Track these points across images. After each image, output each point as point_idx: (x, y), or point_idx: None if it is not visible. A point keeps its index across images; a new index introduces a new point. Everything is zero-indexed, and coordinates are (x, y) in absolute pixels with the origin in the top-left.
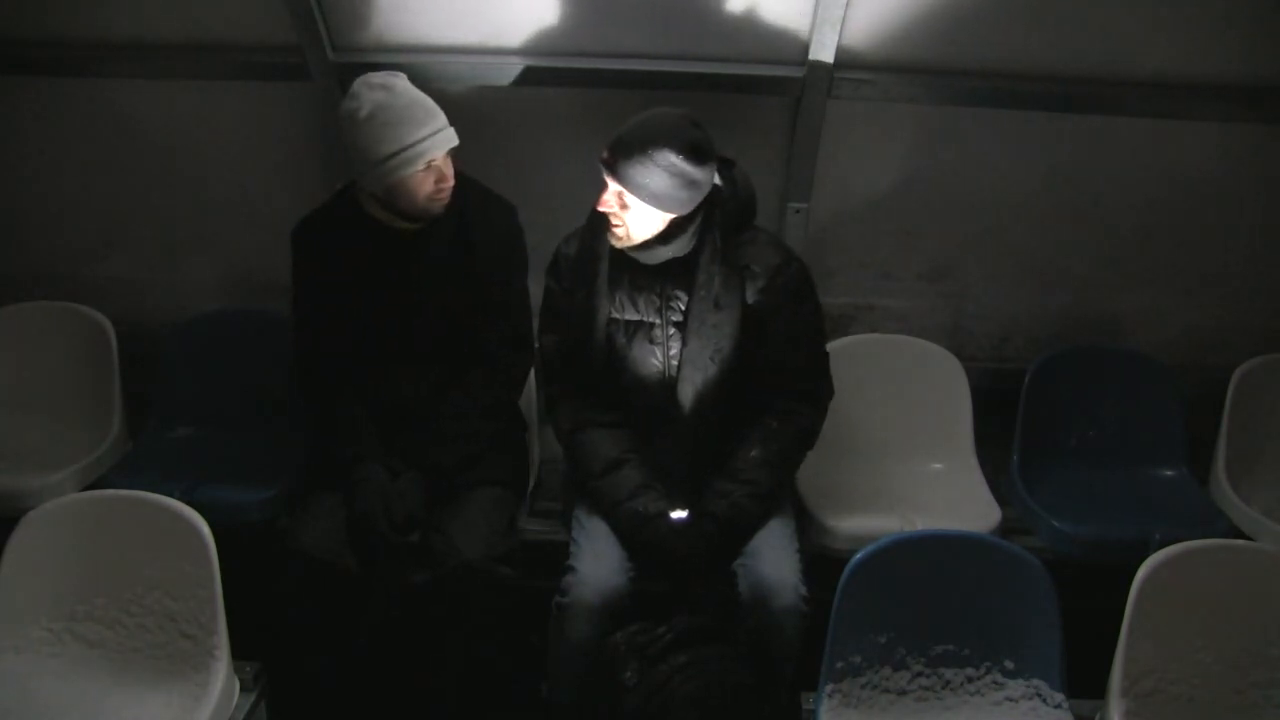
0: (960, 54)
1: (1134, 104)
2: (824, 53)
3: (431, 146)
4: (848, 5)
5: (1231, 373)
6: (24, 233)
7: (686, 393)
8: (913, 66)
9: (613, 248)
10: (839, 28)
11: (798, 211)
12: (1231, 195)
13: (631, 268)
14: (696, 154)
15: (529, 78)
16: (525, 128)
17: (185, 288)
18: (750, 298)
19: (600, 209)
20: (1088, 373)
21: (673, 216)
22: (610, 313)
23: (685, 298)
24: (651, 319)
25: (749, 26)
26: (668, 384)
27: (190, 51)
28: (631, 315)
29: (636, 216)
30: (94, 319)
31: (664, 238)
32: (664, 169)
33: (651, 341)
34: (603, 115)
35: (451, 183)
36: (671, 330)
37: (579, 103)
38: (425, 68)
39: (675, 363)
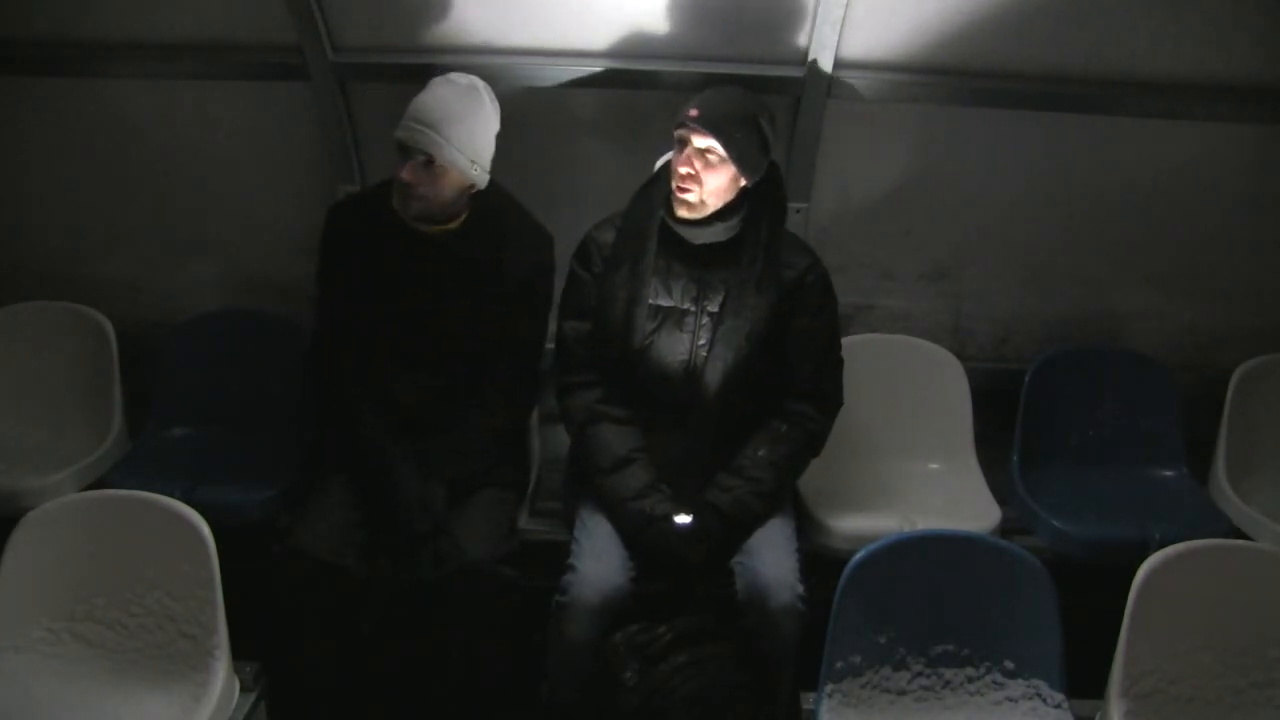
0: (960, 54)
1: (1134, 104)
2: (824, 53)
3: (409, 131)
4: (848, 5)
5: (1231, 373)
6: (24, 233)
7: (715, 372)
8: (912, 66)
9: (658, 229)
10: (839, 28)
11: (798, 211)
12: (1231, 195)
13: (669, 255)
14: (774, 122)
15: (528, 78)
16: (525, 127)
17: (185, 288)
18: (784, 287)
19: (681, 168)
20: (1088, 373)
21: (738, 188)
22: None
23: (723, 287)
24: (685, 305)
25: (749, 27)
26: (692, 373)
27: (190, 51)
28: (665, 301)
29: (714, 179)
30: (94, 319)
31: (720, 215)
32: (752, 127)
33: (681, 329)
34: (602, 115)
35: (417, 189)
36: (705, 319)
37: (578, 103)
38: (425, 68)
39: (704, 353)
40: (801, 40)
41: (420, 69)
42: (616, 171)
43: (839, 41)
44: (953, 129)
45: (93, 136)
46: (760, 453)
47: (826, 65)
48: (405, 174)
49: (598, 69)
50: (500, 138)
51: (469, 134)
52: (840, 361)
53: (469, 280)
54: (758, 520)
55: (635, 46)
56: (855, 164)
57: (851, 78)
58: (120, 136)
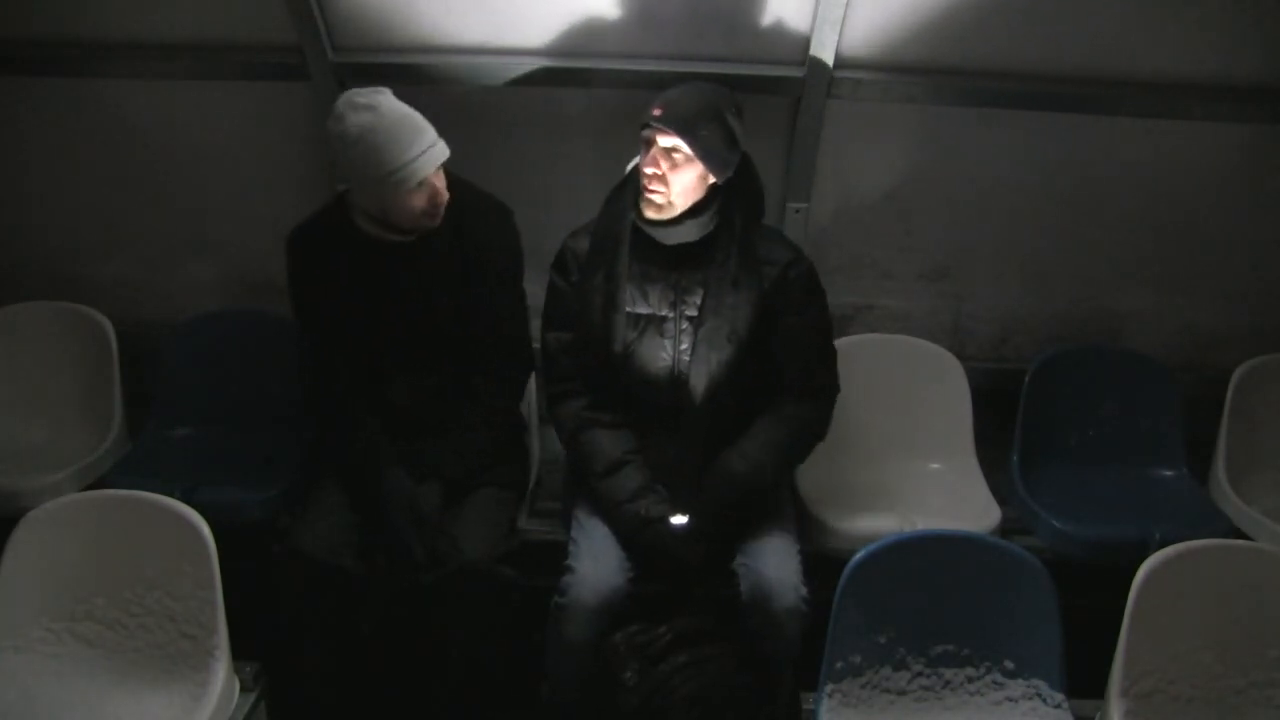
0: (960, 54)
1: (1134, 104)
2: (824, 53)
3: (422, 166)
4: (848, 5)
5: (1231, 373)
6: (24, 233)
7: (700, 375)
8: (912, 66)
9: (630, 233)
10: (839, 28)
11: (798, 211)
12: (1231, 195)
13: (643, 259)
14: (741, 115)
15: (528, 78)
16: (524, 127)
17: (185, 288)
18: (766, 285)
19: (648, 169)
20: (1088, 373)
21: (708, 185)
22: (625, 302)
23: (700, 290)
24: (664, 312)
25: (749, 26)
26: (677, 379)
27: (190, 51)
28: (643, 309)
29: (681, 178)
30: (94, 319)
31: (691, 212)
32: (719, 124)
33: (662, 335)
34: (601, 115)
35: (445, 197)
36: (684, 324)
37: (578, 103)
38: (424, 68)
39: (686, 358)
40: (801, 40)
41: (420, 69)
42: (614, 173)
43: (839, 41)
44: (953, 129)
45: (93, 136)
46: (760, 434)
47: (826, 65)
48: (442, 192)
49: (597, 69)
50: (496, 138)
51: (429, 127)
52: (833, 352)
53: (446, 273)
54: (753, 497)
55: (634, 47)
56: (855, 164)
57: (851, 78)
58: (120, 136)
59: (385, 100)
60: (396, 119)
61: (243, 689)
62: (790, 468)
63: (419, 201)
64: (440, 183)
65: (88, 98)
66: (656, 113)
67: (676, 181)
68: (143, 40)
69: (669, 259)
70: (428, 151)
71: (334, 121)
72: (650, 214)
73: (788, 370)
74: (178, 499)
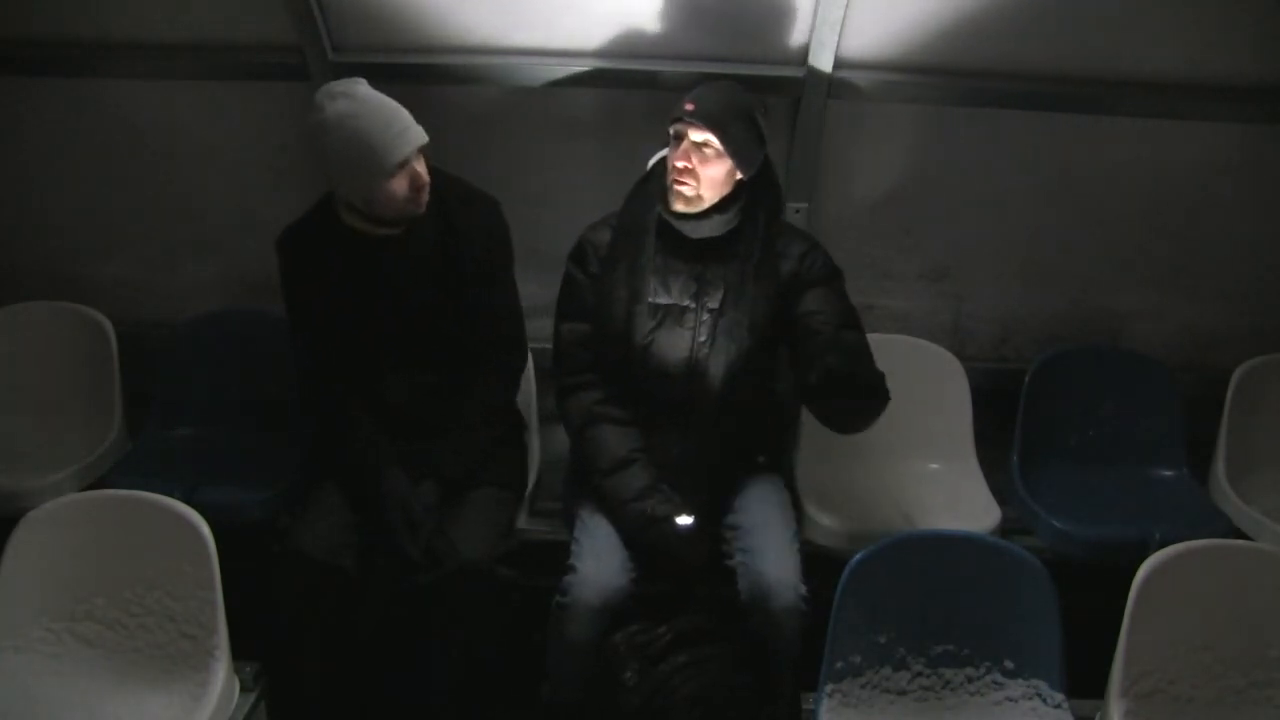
0: (960, 54)
1: (1134, 104)
2: (824, 53)
3: (401, 145)
4: (848, 6)
5: (1231, 373)
6: (24, 233)
7: (719, 365)
8: (912, 66)
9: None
10: (839, 28)
11: (798, 212)
12: (1232, 195)
13: (667, 252)
14: (767, 113)
15: (528, 78)
16: (524, 127)
17: (185, 288)
18: (783, 277)
19: (678, 162)
20: (1088, 373)
21: (734, 181)
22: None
23: (722, 283)
24: (686, 303)
25: (749, 27)
26: (694, 370)
27: (190, 51)
28: (664, 299)
29: (711, 172)
30: (94, 319)
31: (718, 207)
32: (748, 121)
33: (682, 326)
34: (601, 116)
35: (427, 182)
36: (705, 316)
37: (577, 103)
38: (424, 68)
39: (705, 349)
40: (801, 40)
41: (420, 69)
42: (615, 173)
43: (839, 41)
44: (953, 129)
45: (92, 136)
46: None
47: (826, 65)
48: (423, 176)
49: (597, 69)
50: (499, 137)
51: (405, 111)
52: (866, 340)
53: (436, 266)
54: (753, 492)
55: (635, 47)
56: (855, 164)
57: (851, 78)
58: (120, 136)
59: (361, 88)
60: (374, 104)
61: (243, 689)
62: (866, 387)
63: (401, 187)
64: (421, 167)
65: (88, 98)
66: (689, 108)
67: (706, 175)
68: (143, 40)
69: (692, 252)
70: (405, 132)
71: (313, 112)
72: (679, 206)
73: (822, 332)
74: (178, 499)
